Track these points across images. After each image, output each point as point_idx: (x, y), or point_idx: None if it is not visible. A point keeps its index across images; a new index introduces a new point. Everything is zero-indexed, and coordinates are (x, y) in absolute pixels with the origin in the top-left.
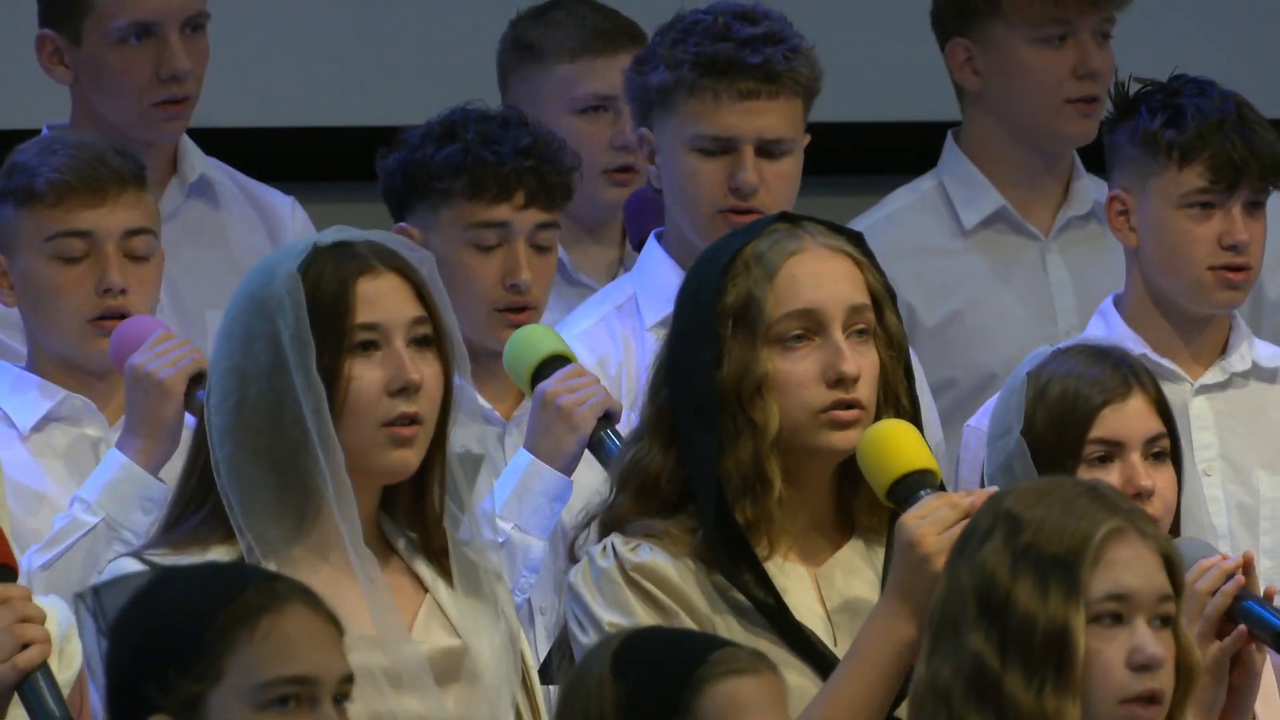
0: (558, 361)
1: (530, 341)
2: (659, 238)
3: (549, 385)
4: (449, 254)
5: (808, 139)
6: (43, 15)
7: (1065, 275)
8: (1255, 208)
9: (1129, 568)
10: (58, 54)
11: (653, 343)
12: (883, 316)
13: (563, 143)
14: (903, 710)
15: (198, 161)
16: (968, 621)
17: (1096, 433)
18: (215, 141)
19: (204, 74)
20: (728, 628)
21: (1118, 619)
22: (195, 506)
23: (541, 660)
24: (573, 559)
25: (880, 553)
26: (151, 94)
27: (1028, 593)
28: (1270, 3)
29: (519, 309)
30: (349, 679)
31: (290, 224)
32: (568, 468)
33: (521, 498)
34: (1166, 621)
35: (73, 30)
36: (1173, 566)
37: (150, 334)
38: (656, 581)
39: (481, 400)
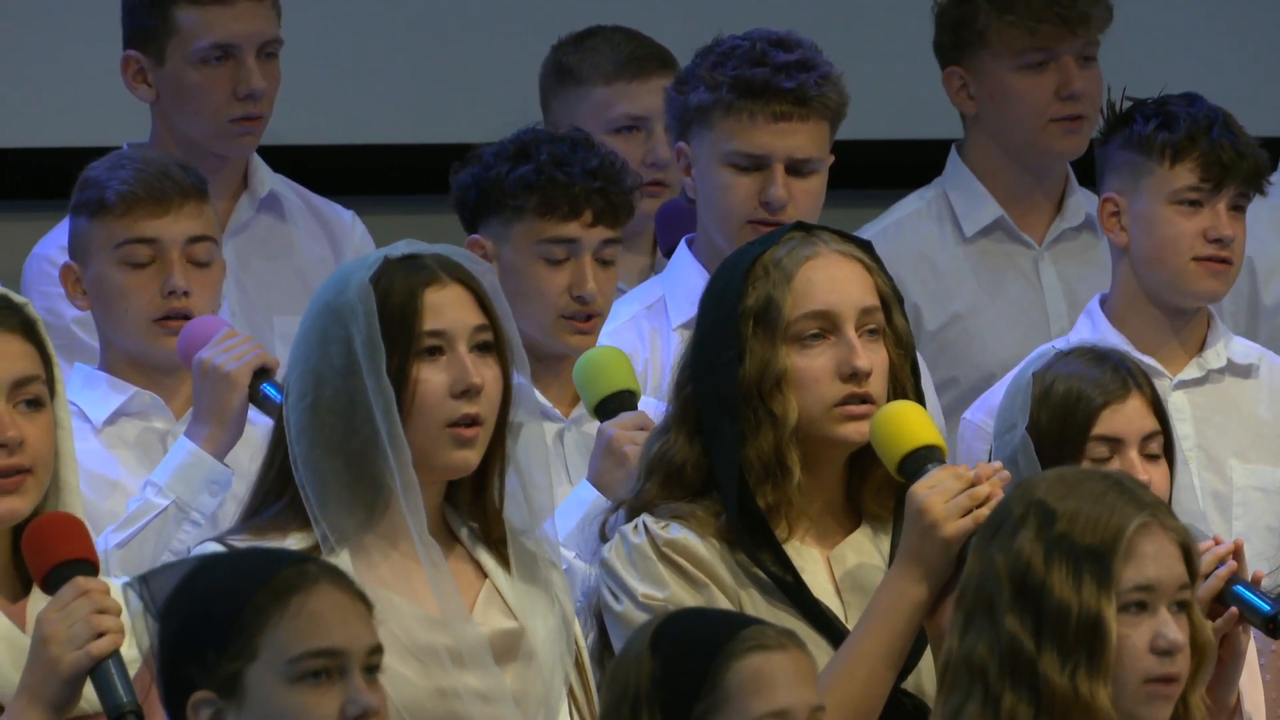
0: (626, 397)
1: (604, 370)
2: (689, 244)
3: (615, 430)
4: (519, 265)
5: (832, 159)
6: (128, 38)
7: (1056, 282)
8: (1237, 211)
9: (1155, 560)
10: (141, 73)
11: (678, 342)
12: (891, 318)
13: (625, 163)
14: (909, 684)
15: (267, 178)
16: (1003, 604)
17: (1098, 430)
18: (282, 158)
19: (275, 96)
20: (751, 601)
21: (1143, 607)
22: (275, 496)
23: None
24: (603, 538)
25: (885, 540)
26: (229, 111)
27: (1062, 581)
28: (1258, 24)
29: (585, 316)
30: (377, 651)
31: (351, 236)
32: None
33: (584, 529)
34: (1183, 606)
35: (157, 51)
36: (1190, 556)
37: (216, 331)
38: (688, 556)
39: (543, 399)
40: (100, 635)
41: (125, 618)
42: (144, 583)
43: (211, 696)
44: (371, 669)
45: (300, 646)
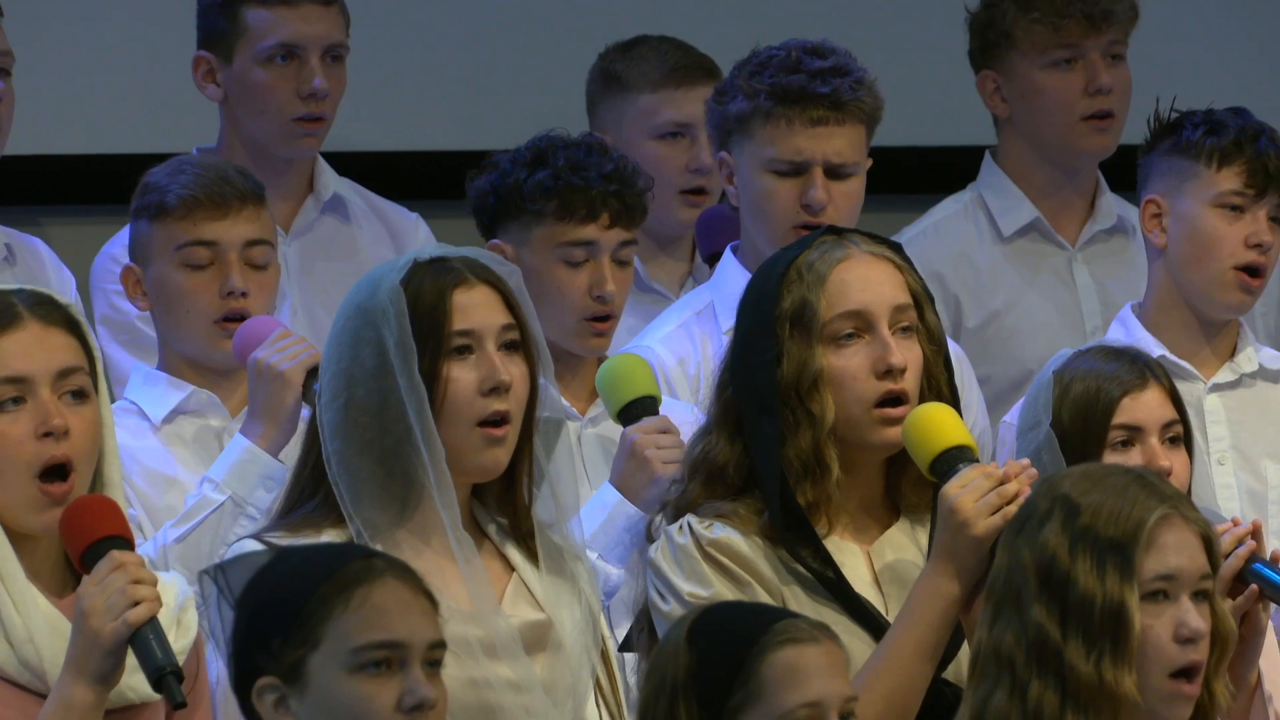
0: (648, 402)
1: (626, 376)
2: (734, 250)
3: (638, 435)
4: (540, 268)
5: (870, 163)
6: (200, 38)
7: (1090, 282)
8: (1274, 222)
9: (1176, 550)
10: (210, 73)
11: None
12: (923, 315)
13: (637, 166)
14: (950, 674)
15: (331, 181)
16: (1030, 596)
17: (1118, 420)
18: (348, 163)
19: (339, 100)
20: (795, 597)
21: (1165, 596)
22: (309, 494)
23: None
24: (649, 538)
25: (924, 531)
26: (291, 110)
27: (1086, 572)
28: None
29: (603, 317)
30: (439, 645)
31: (415, 237)
32: (646, 506)
33: (607, 531)
34: (1204, 595)
35: (226, 50)
36: (1210, 546)
37: (271, 332)
38: (730, 555)
39: (562, 399)
40: (136, 604)
41: (169, 599)
42: (221, 571)
43: (276, 682)
44: (433, 663)
45: (361, 637)
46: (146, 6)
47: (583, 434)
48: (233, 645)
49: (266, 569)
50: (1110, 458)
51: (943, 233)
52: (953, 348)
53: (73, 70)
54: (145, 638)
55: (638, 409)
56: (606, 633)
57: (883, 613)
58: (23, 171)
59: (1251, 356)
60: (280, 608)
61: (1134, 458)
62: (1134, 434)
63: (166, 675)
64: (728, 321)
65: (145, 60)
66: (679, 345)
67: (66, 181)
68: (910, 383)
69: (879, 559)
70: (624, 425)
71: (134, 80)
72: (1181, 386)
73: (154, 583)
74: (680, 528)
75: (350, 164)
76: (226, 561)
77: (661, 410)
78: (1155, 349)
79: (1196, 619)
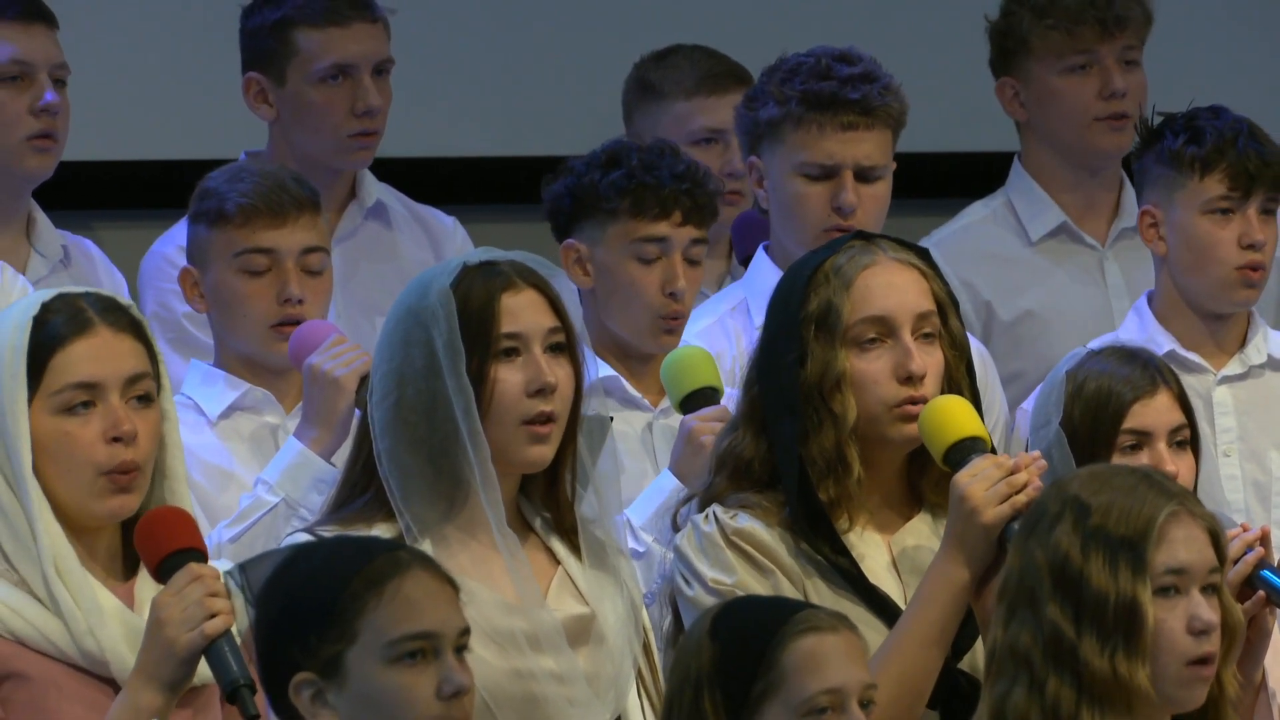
0: (709, 393)
1: (688, 368)
2: (767, 249)
3: (695, 422)
4: (613, 265)
5: (894, 165)
6: (248, 60)
7: (1120, 280)
8: (1267, 214)
9: (1185, 545)
10: (262, 94)
11: None
12: (947, 321)
13: (709, 170)
14: (966, 663)
15: (374, 188)
16: (1044, 595)
17: (1128, 424)
18: (384, 169)
19: (388, 112)
20: (815, 589)
21: (1176, 590)
22: (361, 490)
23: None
24: (675, 528)
25: (944, 524)
26: (347, 127)
27: (1099, 570)
28: None
29: (675, 316)
30: (466, 632)
31: (453, 240)
32: None
33: (663, 516)
34: (1213, 589)
35: (278, 72)
36: (1218, 541)
37: (326, 338)
38: (754, 544)
39: (634, 390)
40: (213, 616)
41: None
42: (242, 570)
43: (313, 678)
44: (461, 649)
45: (398, 630)
46: (196, 15)
47: (654, 424)
48: (262, 641)
49: (289, 566)
50: (1118, 460)
51: (971, 235)
52: (978, 350)
53: (124, 79)
54: (220, 650)
55: (699, 399)
56: (648, 625)
57: (901, 602)
58: (77, 177)
59: (1261, 347)
60: (314, 604)
61: (1141, 461)
62: (1143, 438)
63: (240, 689)
64: (760, 317)
65: (196, 68)
66: (715, 341)
67: (118, 187)
68: (930, 388)
69: (899, 550)
70: (684, 414)
71: (186, 88)
72: (1191, 379)
73: (228, 595)
74: (706, 517)
75: (387, 170)
76: (247, 560)
77: (723, 401)
78: (1166, 342)
79: (1208, 611)
